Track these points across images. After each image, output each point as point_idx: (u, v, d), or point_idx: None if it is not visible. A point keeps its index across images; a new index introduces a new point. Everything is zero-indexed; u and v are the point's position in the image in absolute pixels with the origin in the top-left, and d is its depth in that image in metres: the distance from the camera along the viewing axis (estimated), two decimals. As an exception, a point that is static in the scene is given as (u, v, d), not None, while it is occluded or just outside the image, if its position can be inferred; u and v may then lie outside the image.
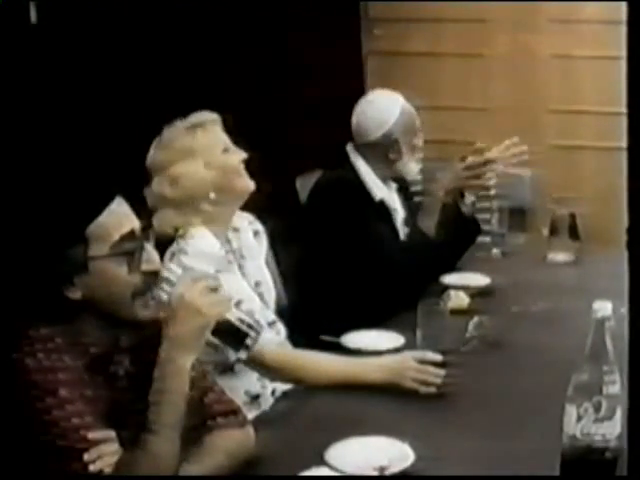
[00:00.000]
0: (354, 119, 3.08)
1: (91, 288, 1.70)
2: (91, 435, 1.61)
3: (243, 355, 1.87)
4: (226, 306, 1.78)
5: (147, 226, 1.79)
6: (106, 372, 1.75)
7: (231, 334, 1.79)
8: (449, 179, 3.14)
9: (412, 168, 3.12)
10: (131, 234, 1.73)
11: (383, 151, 3.03)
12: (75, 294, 1.70)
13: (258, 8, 4.75)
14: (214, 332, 1.77)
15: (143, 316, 1.75)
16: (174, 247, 2.31)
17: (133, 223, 1.75)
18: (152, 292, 1.76)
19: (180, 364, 1.69)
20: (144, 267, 1.73)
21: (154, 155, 2.42)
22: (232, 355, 2.26)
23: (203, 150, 2.39)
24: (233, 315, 1.79)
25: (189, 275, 1.82)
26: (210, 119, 2.42)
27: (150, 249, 1.76)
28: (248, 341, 1.79)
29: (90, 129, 4.23)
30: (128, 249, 1.71)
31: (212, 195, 2.36)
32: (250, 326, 1.80)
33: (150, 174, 2.41)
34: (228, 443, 1.82)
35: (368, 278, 2.87)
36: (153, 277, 1.75)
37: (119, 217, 1.73)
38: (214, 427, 1.82)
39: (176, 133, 2.41)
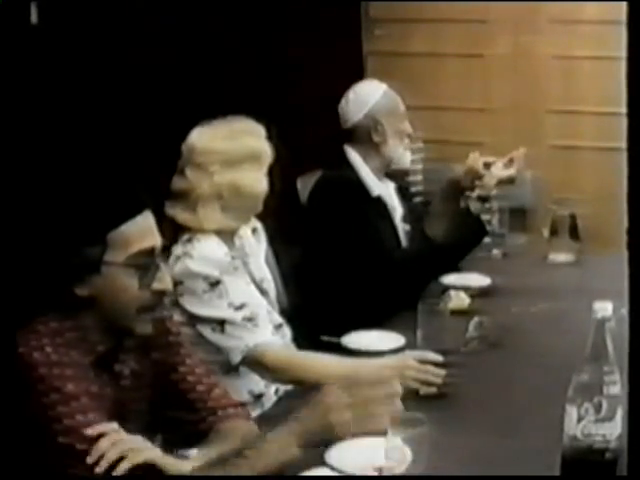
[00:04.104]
0: (340, 108, 3.10)
1: (99, 290, 1.71)
2: (89, 431, 1.61)
3: None
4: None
5: (168, 245, 1.79)
6: (111, 370, 1.76)
7: None
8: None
9: (402, 155, 3.09)
10: (150, 251, 1.73)
11: (368, 134, 3.04)
12: (83, 291, 1.70)
13: (258, 8, 4.75)
14: None
15: (141, 332, 1.76)
16: (179, 250, 2.30)
17: (155, 240, 1.75)
18: (157, 311, 1.78)
19: (293, 450, 1.68)
20: (155, 286, 1.74)
21: (209, 145, 2.36)
22: (234, 357, 2.27)
23: (267, 157, 2.40)
24: None
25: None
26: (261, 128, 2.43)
27: (165, 269, 1.77)
28: None
29: (93, 129, 4.23)
30: (143, 264, 1.72)
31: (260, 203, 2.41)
32: None
33: (193, 163, 2.35)
34: (244, 429, 1.86)
35: (368, 278, 2.87)
36: (160, 297, 1.77)
37: (143, 230, 1.73)
38: (226, 416, 1.87)
39: (241, 130, 2.39)
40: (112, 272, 1.70)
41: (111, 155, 3.89)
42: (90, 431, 1.61)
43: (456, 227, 2.97)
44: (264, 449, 1.65)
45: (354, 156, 3.05)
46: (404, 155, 3.10)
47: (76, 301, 1.71)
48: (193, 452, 1.77)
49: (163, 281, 1.76)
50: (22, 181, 3.58)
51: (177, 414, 1.88)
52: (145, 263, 1.72)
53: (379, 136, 3.03)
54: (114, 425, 1.65)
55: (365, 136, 3.04)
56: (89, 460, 1.58)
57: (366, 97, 3.07)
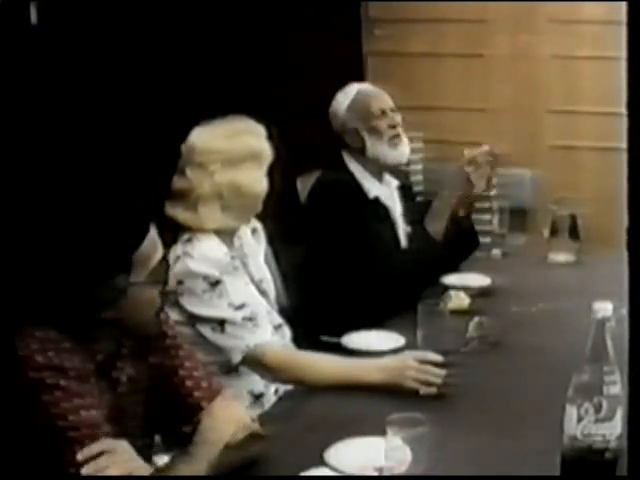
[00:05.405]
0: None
1: (125, 310, 1.72)
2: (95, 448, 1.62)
3: None
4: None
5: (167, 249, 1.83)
6: (109, 378, 1.76)
7: None
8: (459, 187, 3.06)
9: (389, 153, 3.03)
10: (162, 259, 1.77)
11: (348, 141, 3.06)
12: (108, 314, 1.71)
13: (258, 8, 4.76)
14: None
15: (153, 330, 1.82)
16: (179, 250, 2.30)
17: (161, 247, 1.78)
18: (164, 310, 1.85)
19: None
20: (165, 288, 1.79)
21: (209, 144, 2.36)
22: (235, 357, 2.27)
23: (267, 157, 2.40)
24: None
25: None
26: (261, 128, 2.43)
27: (170, 271, 1.82)
28: None
29: (95, 133, 4.23)
30: (161, 274, 1.75)
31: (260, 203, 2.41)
32: None
33: (193, 163, 2.35)
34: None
35: (367, 278, 2.87)
36: (165, 296, 1.82)
37: (154, 243, 1.75)
38: None
39: (241, 130, 2.39)
40: (137, 291, 1.71)
41: (114, 165, 3.87)
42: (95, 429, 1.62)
43: (448, 238, 2.99)
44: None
45: (350, 159, 3.06)
46: (393, 151, 3.03)
47: (101, 324, 1.72)
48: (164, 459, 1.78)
49: (169, 282, 1.82)
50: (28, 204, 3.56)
51: (175, 416, 1.88)
52: (164, 272, 1.76)
53: (356, 142, 3.04)
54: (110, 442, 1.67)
55: (348, 143, 3.06)
56: (79, 457, 1.59)
57: (337, 108, 3.09)
